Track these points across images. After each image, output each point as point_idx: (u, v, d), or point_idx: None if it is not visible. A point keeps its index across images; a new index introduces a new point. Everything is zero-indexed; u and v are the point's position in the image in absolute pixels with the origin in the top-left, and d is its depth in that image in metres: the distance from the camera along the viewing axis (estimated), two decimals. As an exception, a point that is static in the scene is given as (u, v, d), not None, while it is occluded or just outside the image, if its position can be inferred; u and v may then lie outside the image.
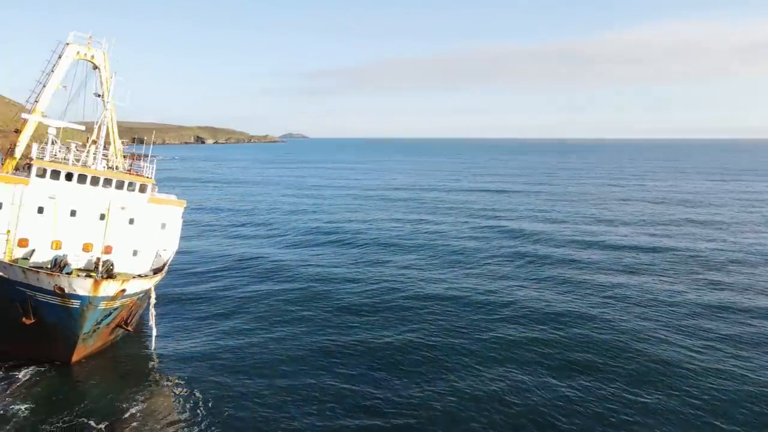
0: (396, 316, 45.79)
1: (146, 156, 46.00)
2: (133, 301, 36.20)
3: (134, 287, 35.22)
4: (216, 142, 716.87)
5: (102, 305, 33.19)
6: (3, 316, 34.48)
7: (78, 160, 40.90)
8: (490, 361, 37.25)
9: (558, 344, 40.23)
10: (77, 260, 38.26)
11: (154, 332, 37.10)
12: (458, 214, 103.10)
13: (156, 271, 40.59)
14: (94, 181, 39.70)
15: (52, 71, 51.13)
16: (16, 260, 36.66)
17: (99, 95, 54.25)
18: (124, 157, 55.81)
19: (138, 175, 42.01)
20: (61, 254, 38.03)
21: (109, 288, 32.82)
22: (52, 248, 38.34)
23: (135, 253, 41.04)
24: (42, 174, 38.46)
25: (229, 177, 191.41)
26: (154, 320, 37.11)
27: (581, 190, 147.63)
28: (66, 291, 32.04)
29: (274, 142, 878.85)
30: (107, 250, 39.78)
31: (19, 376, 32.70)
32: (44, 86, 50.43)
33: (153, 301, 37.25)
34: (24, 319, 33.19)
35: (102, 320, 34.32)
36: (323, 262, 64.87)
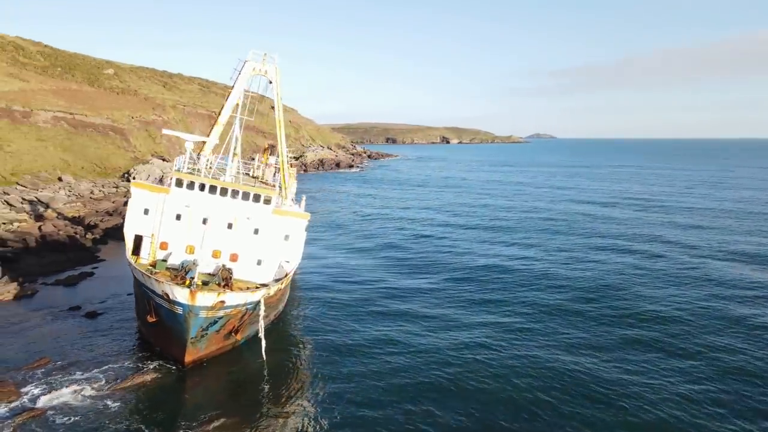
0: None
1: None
2: (239, 311, 36.83)
3: (235, 299, 35.68)
4: (460, 142, 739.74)
5: (202, 314, 34.26)
6: (144, 312, 38.49)
7: (212, 168, 43.37)
8: None
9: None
10: (207, 266, 40.73)
11: (263, 344, 37.29)
12: (688, 247, 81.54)
13: (278, 282, 41.11)
14: (223, 191, 42.07)
15: (233, 86, 56.25)
16: (155, 262, 40.81)
17: (273, 107, 57.99)
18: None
19: (263, 186, 43.11)
20: (192, 259, 41.05)
21: (205, 298, 33.71)
22: (186, 252, 41.68)
23: (259, 262, 42.20)
24: (179, 184, 42.06)
25: (447, 180, 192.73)
26: (263, 332, 37.35)
27: None
28: (170, 297, 33.94)
29: (518, 142, 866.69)
30: (233, 257, 41.71)
31: (139, 371, 35.44)
32: (226, 100, 55.73)
33: (262, 313, 37.44)
34: (148, 317, 36.44)
35: (208, 327, 35.54)
36: (489, 312, 51.88)
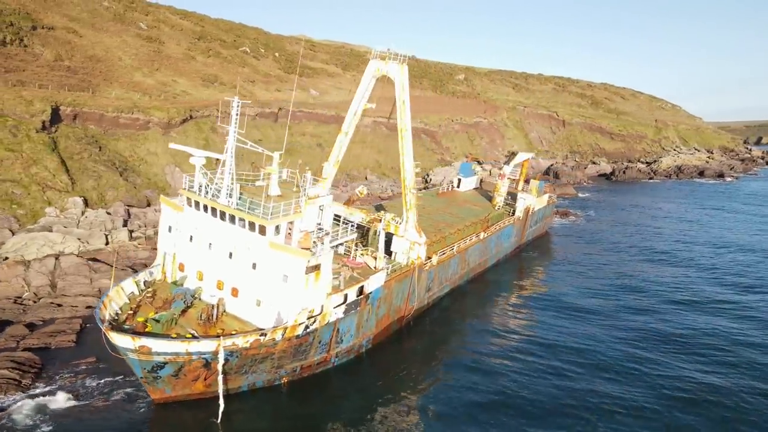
0: None
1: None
2: (191, 359, 31.38)
3: (165, 346, 30.32)
4: None
5: (131, 354, 30.45)
6: None
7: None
8: None
9: None
10: (213, 297, 36.47)
11: (221, 405, 31.13)
12: None
13: (272, 330, 33.27)
14: (222, 215, 36.21)
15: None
16: (174, 282, 38.60)
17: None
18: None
19: (253, 213, 35.08)
20: (197, 286, 37.35)
21: (118, 339, 29.76)
22: (197, 278, 37.90)
23: (258, 303, 35.05)
24: (189, 203, 38.23)
25: None
26: (221, 389, 31.16)
27: None
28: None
29: None
30: (234, 292, 35.85)
31: (116, 396, 34.54)
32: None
33: (220, 367, 31.06)
34: None
35: (155, 370, 31.47)
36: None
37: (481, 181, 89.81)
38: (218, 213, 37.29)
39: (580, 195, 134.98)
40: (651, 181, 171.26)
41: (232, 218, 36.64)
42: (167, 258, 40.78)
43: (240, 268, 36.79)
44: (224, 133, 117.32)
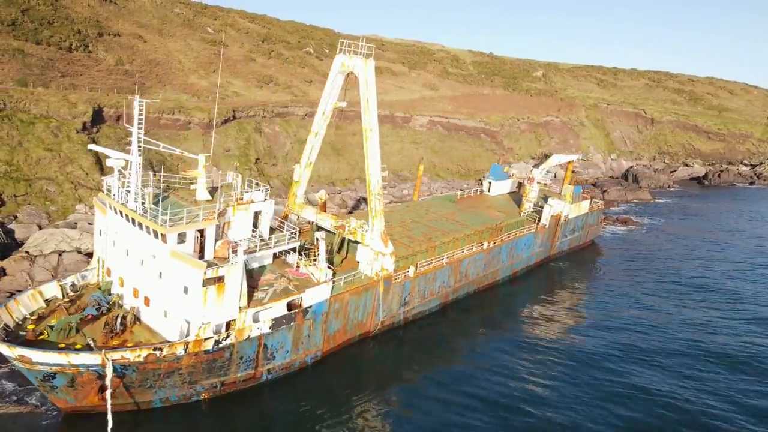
0: None
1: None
2: (79, 370, 30.43)
3: (44, 357, 29.39)
4: None
5: (17, 363, 29.90)
6: None
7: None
8: None
9: None
10: (127, 305, 35.53)
11: (110, 422, 29.81)
12: None
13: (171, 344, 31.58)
14: (132, 221, 34.56)
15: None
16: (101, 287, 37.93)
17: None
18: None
19: (152, 219, 33.06)
20: (117, 293, 36.28)
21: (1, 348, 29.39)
22: (119, 284, 36.82)
23: (165, 314, 33.29)
24: (109, 206, 36.99)
25: None
26: (109, 404, 29.89)
27: None
28: None
29: None
30: (146, 301, 34.30)
31: (17, 403, 33.92)
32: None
33: (108, 381, 29.75)
34: None
35: (45, 379, 30.67)
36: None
37: (519, 184, 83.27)
38: (129, 218, 36.11)
39: (657, 200, 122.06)
40: (751, 186, 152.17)
41: (140, 224, 35.30)
42: (101, 261, 40.19)
43: (149, 276, 35.22)
44: (270, 133, 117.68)
